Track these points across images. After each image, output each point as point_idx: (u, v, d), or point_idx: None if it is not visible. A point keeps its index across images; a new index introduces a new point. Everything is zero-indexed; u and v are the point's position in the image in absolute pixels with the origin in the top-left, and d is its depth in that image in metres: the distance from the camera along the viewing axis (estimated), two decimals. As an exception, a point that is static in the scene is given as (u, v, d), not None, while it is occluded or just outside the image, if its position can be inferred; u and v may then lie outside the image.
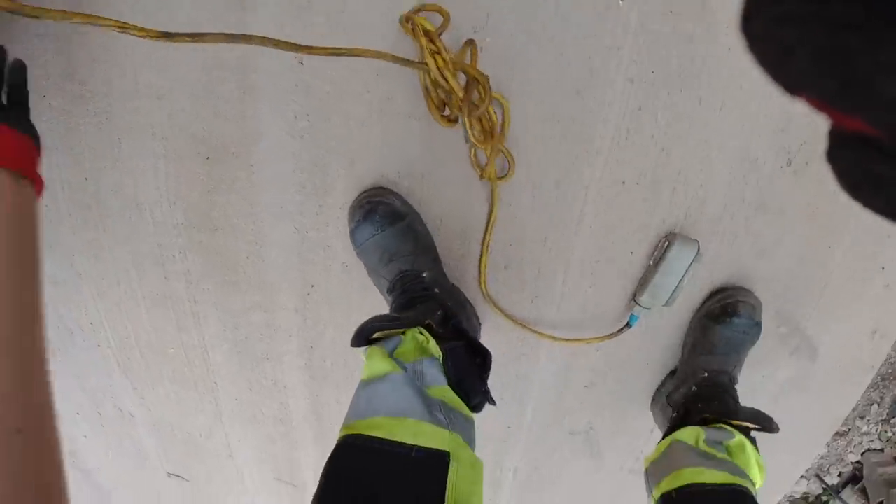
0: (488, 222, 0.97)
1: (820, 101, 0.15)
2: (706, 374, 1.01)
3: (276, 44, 0.65)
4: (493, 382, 1.07)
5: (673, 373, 1.13)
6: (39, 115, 0.98)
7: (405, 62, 0.80)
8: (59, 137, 1.01)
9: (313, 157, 0.97)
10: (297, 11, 0.85)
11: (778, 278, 1.01)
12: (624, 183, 0.91)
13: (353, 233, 0.96)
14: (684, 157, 0.88)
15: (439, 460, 0.69)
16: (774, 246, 0.97)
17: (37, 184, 0.64)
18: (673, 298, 0.97)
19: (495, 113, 0.86)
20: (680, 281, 0.94)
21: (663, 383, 1.15)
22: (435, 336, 0.88)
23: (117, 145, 1.01)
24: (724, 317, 0.99)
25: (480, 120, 0.82)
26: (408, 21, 0.83)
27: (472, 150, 0.91)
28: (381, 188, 0.97)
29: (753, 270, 1.01)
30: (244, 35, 0.63)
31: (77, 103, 0.97)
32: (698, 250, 0.92)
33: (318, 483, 0.67)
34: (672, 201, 0.92)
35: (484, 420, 1.20)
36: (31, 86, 0.86)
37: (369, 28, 0.85)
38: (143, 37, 0.53)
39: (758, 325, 1.01)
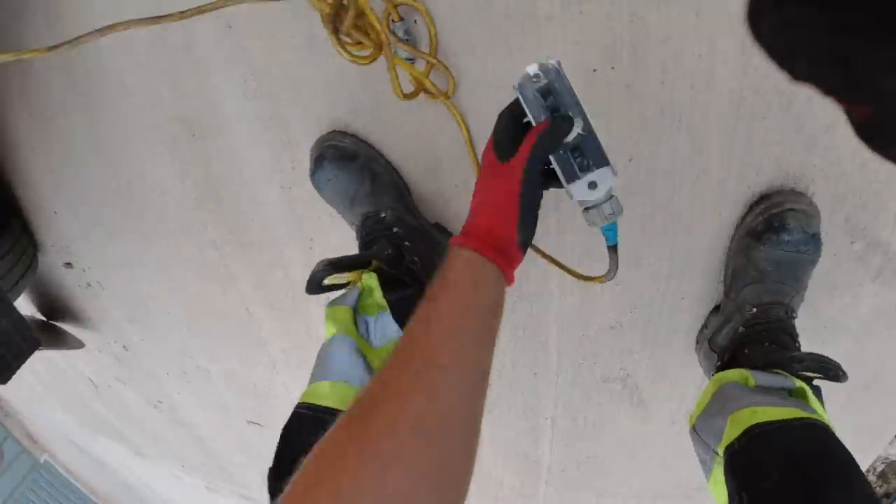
0: (468, 141, 0.86)
1: (825, 92, 0.16)
2: (754, 310, 0.81)
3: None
4: (506, 323, 0.98)
5: (717, 309, 0.93)
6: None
7: None
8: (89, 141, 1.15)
9: (271, 113, 0.97)
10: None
11: (842, 173, 0.76)
12: (595, 71, 0.75)
13: (312, 181, 0.94)
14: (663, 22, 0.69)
15: None
16: (831, 126, 0.71)
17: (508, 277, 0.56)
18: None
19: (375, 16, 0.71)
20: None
21: (706, 323, 0.95)
22: (387, 281, 0.83)
23: (130, 141, 1.12)
24: (770, 233, 0.77)
25: (361, 29, 0.72)
26: None
27: (392, 73, 0.82)
28: (335, 131, 0.94)
29: (804, 165, 0.77)
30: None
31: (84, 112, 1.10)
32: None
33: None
34: (664, 81, 0.73)
35: (508, 368, 1.13)
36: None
37: None
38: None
39: (815, 238, 0.78)
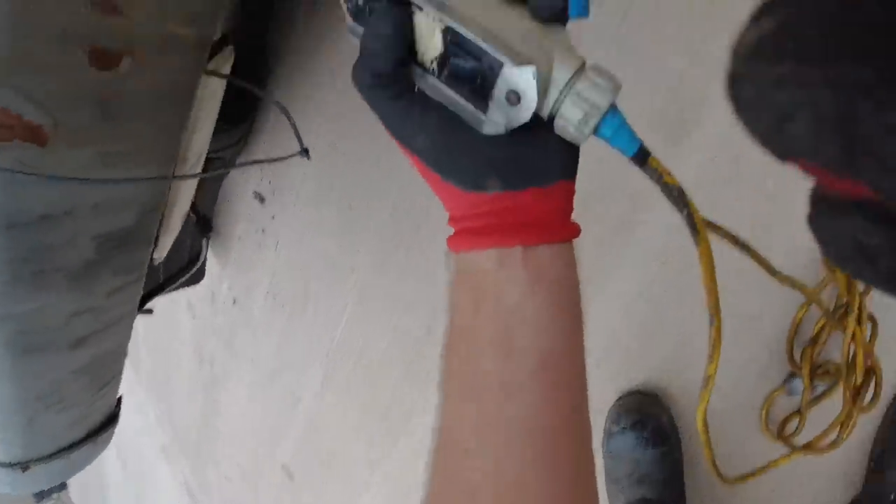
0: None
1: (819, 167, 0.14)
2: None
3: (753, 255, 0.59)
4: None
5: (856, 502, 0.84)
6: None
7: (830, 317, 0.71)
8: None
9: (644, 327, 0.87)
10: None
11: None
12: None
13: (609, 434, 0.87)
14: None
15: None
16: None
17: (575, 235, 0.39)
18: None
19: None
20: None
21: None
22: None
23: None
24: None
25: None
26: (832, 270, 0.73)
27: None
28: (654, 396, 0.87)
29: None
30: (747, 244, 0.57)
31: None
32: None
33: None
34: None
35: None
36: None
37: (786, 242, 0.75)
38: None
39: None
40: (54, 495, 4.02)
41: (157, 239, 0.78)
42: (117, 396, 0.89)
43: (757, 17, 0.15)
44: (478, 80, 0.30)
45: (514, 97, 0.29)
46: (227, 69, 0.69)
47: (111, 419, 0.89)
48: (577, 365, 0.33)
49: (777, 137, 0.14)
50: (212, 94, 0.68)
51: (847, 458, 0.78)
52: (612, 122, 0.30)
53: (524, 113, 0.30)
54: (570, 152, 0.33)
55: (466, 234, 0.33)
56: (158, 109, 0.52)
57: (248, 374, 1.63)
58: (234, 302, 1.59)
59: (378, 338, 1.22)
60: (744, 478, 0.78)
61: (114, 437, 0.92)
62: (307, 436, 1.47)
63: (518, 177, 0.32)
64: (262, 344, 1.54)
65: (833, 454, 0.76)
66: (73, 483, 3.96)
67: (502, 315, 0.31)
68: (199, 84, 0.53)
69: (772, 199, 0.76)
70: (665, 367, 0.87)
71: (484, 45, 0.28)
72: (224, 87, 0.73)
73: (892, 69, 0.11)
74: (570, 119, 0.30)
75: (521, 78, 0.28)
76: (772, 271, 0.61)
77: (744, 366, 0.81)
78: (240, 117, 1.14)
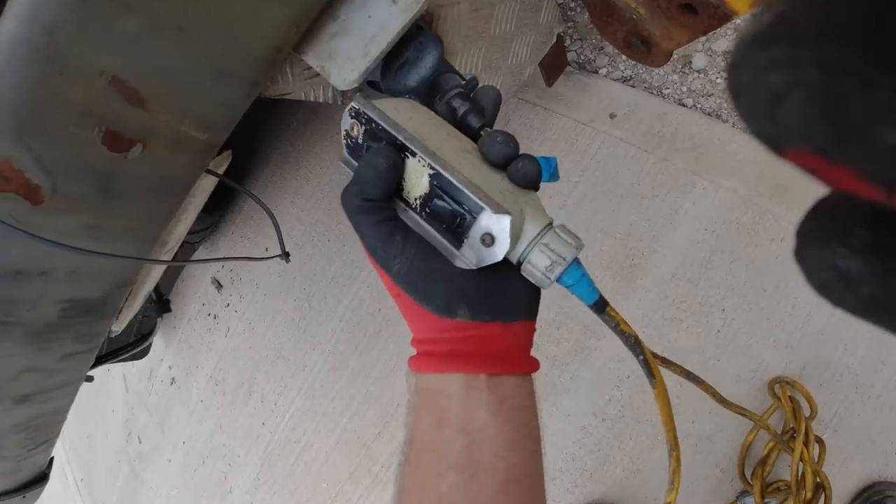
0: None
1: (811, 153, 0.14)
2: None
3: (702, 384, 0.64)
4: None
5: None
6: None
7: (779, 441, 0.76)
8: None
9: (599, 444, 0.91)
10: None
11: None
12: None
13: None
14: None
15: None
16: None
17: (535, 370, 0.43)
18: None
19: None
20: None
21: None
22: None
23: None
24: None
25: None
26: (776, 389, 0.80)
27: None
28: None
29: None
30: (695, 376, 0.62)
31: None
32: None
33: None
34: None
35: None
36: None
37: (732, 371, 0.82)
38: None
39: None
40: None
41: (119, 312, 0.78)
42: (50, 458, 0.84)
43: (757, 14, 0.16)
44: (456, 221, 0.35)
45: (489, 239, 0.34)
46: (222, 169, 0.74)
47: (41, 478, 0.84)
48: (537, 486, 0.35)
49: (771, 120, 0.15)
50: (203, 189, 0.72)
51: None
52: (574, 273, 0.35)
53: (497, 254, 0.34)
54: (533, 296, 0.37)
55: (432, 357, 0.35)
56: (155, 197, 0.55)
57: (178, 456, 1.53)
58: (173, 382, 1.54)
59: (324, 437, 1.20)
60: None
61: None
62: None
63: (486, 310, 0.34)
64: (197, 427, 1.47)
65: None
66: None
67: (467, 436, 0.33)
68: (197, 180, 0.58)
69: (719, 335, 0.84)
70: (621, 483, 0.89)
71: (468, 192, 0.34)
72: (214, 186, 0.78)
73: (877, 52, 0.12)
74: (538, 265, 0.35)
75: (497, 224, 0.34)
76: (721, 401, 0.66)
77: (697, 483, 0.84)
78: (215, 206, 1.19)
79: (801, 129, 0.14)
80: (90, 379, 0.99)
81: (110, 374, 1.79)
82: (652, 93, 0.95)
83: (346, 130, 0.39)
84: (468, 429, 0.33)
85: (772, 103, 0.14)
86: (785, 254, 0.83)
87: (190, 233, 1.10)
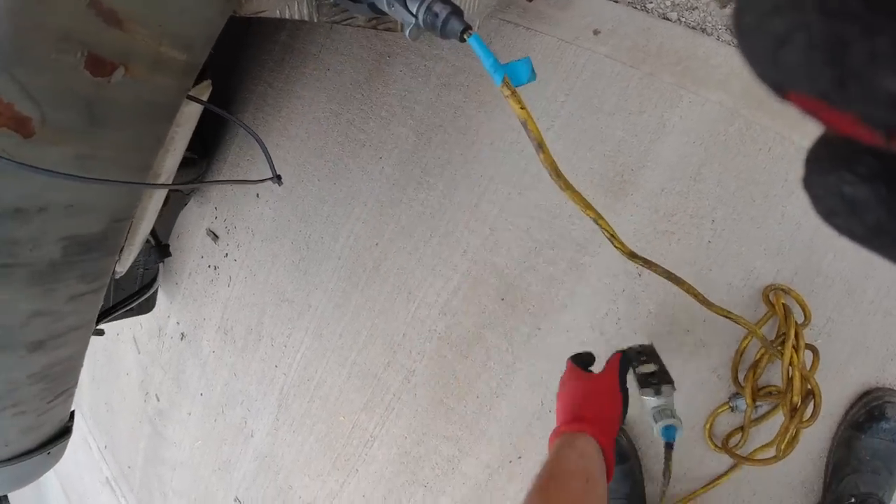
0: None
1: (812, 97, 0.14)
2: (853, 500, 0.79)
3: (683, 285, 0.65)
4: None
5: None
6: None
7: (768, 345, 0.77)
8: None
9: (598, 358, 0.93)
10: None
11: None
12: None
13: None
14: None
15: None
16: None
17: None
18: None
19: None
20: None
21: None
22: None
23: (429, 241, 1.06)
24: (870, 422, 0.79)
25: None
26: (770, 296, 0.81)
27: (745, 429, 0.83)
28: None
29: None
30: (676, 276, 0.63)
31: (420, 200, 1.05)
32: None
33: None
34: None
35: None
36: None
37: (724, 280, 0.83)
38: (617, 247, 0.56)
39: None
40: None
41: (120, 251, 0.78)
42: (70, 410, 0.86)
43: None
44: (651, 381, 0.78)
45: (659, 393, 0.75)
46: (205, 97, 0.73)
47: (64, 431, 0.86)
48: None
49: (774, 63, 0.15)
50: (188, 118, 0.71)
51: (804, 470, 0.84)
52: (672, 429, 0.72)
53: (659, 401, 0.73)
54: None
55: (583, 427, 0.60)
56: (141, 122, 0.55)
57: (197, 409, 1.57)
58: (183, 337, 1.56)
59: (335, 372, 1.22)
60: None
61: (57, 469, 0.88)
62: (261, 468, 1.42)
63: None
64: (211, 378, 1.50)
65: (791, 466, 0.82)
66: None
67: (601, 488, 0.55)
68: (180, 106, 0.57)
69: (710, 245, 0.85)
70: None
71: (669, 375, 0.73)
72: (199, 115, 0.77)
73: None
74: (664, 412, 0.73)
75: (670, 392, 0.74)
76: (704, 302, 0.68)
77: (695, 387, 0.87)
78: (200, 151, 1.18)
79: (803, 73, 0.14)
80: (101, 332, 1.00)
81: (121, 338, 1.81)
82: (635, 7, 0.93)
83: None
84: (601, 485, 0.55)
85: (775, 47, 0.14)
86: (773, 164, 0.83)
87: (180, 182, 1.09)
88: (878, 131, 0.13)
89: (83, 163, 0.54)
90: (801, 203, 0.81)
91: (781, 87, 0.15)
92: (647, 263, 0.61)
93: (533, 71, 0.45)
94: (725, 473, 0.86)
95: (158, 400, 1.70)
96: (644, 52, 0.90)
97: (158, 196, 0.83)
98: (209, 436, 1.55)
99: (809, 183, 0.18)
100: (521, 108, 0.45)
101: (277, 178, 0.64)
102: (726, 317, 0.72)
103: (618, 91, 0.91)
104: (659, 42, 0.90)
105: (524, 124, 0.45)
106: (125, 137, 0.56)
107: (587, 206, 0.51)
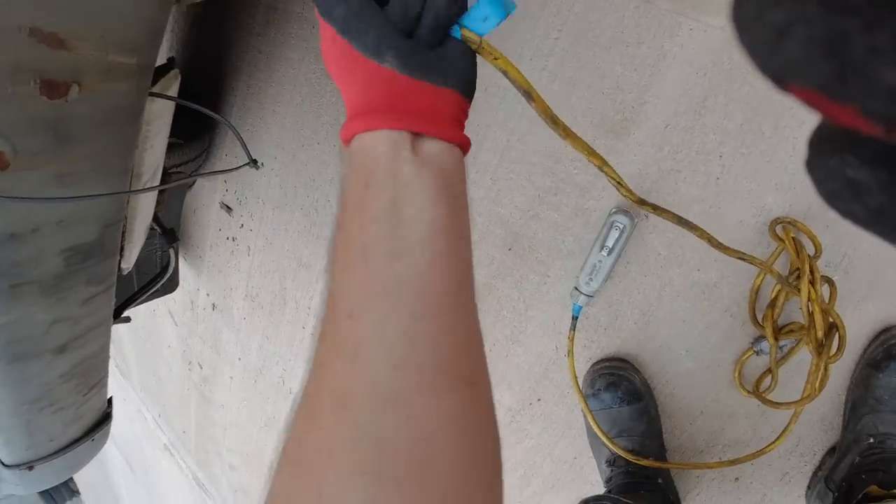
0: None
1: (812, 90, 0.14)
2: (871, 440, 0.77)
3: (696, 230, 0.63)
4: None
5: (832, 450, 0.88)
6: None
7: (784, 283, 0.75)
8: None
9: (609, 301, 0.92)
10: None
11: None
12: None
13: (586, 397, 0.91)
14: None
15: None
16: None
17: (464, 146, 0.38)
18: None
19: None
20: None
21: (819, 466, 0.89)
22: None
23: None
24: (888, 360, 0.76)
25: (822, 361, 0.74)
26: (778, 230, 0.78)
27: (773, 370, 0.81)
28: (625, 361, 0.92)
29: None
30: (687, 221, 0.61)
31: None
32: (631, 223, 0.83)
33: None
34: None
35: None
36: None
37: (734, 218, 0.80)
38: (625, 195, 0.52)
39: None
40: (68, 501, 3.99)
41: (122, 250, 0.80)
42: (107, 397, 0.92)
43: None
44: None
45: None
46: (173, 90, 0.71)
47: (104, 418, 0.92)
48: (463, 244, 0.33)
49: (774, 56, 0.14)
50: (159, 113, 0.70)
51: (822, 408, 0.83)
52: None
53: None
54: (468, 67, 0.36)
55: (359, 118, 0.34)
56: (108, 131, 0.54)
57: (238, 372, 1.65)
58: (214, 307, 1.61)
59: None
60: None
61: (117, 443, 0.94)
62: None
63: (416, 64, 0.33)
64: (246, 343, 1.56)
65: (811, 405, 0.79)
66: (87, 492, 3.96)
67: (392, 188, 0.31)
68: (144, 106, 0.56)
69: (718, 182, 0.81)
70: (633, 336, 0.92)
71: None
72: (173, 107, 0.75)
73: None
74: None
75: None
76: (718, 245, 0.65)
77: (709, 329, 0.86)
78: (195, 134, 1.17)
79: (803, 65, 0.14)
80: (128, 319, 1.04)
81: (157, 314, 1.88)
82: (626, -74, 0.85)
83: None
84: (392, 184, 0.32)
85: (775, 39, 0.14)
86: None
87: (178, 164, 1.09)
88: (878, 124, 0.13)
89: (63, 180, 0.54)
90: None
91: (782, 79, 0.15)
92: (656, 209, 0.58)
93: (503, 2, 0.36)
94: (778, 438, 0.83)
95: (201, 368, 1.79)
96: (638, -23, 0.83)
97: (147, 193, 0.83)
98: (252, 396, 1.63)
99: (812, 165, 0.18)
100: (495, 58, 0.37)
101: (254, 163, 0.63)
102: (740, 258, 0.69)
103: (613, 23, 0.84)
104: (653, -36, 0.83)
105: (506, 74, 0.38)
106: (97, 148, 0.55)
107: (591, 152, 0.46)
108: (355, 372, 0.27)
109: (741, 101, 0.78)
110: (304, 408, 0.29)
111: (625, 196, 0.53)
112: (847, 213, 0.17)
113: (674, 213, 0.59)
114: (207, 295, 1.62)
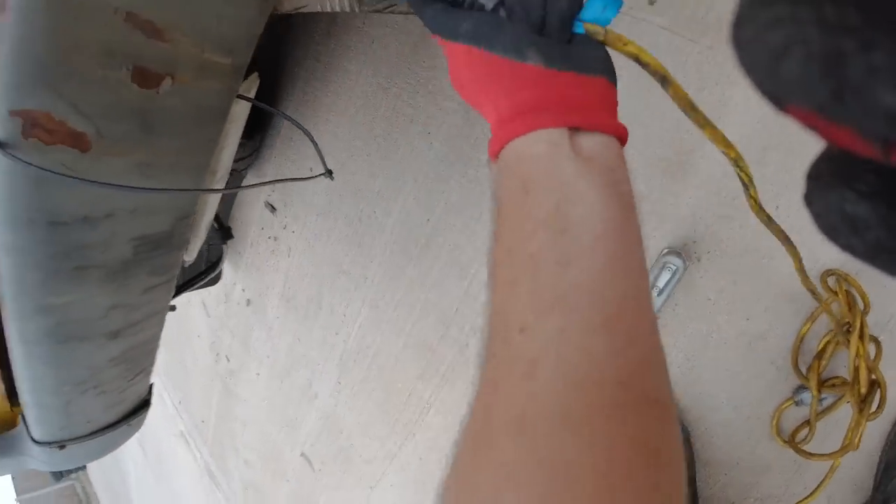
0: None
1: (810, 110, 0.14)
2: None
3: (791, 249, 0.61)
4: None
5: None
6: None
7: (839, 329, 0.73)
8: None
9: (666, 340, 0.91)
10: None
11: None
12: None
13: None
14: None
15: None
16: None
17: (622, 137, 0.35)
18: None
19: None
20: None
21: None
22: None
23: (479, 219, 1.05)
24: None
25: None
26: (830, 282, 0.76)
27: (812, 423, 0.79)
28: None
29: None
30: (788, 238, 0.58)
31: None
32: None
33: None
34: None
35: None
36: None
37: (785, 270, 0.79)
38: (752, 195, 0.48)
39: None
40: (73, 475, 4.03)
41: (188, 243, 0.82)
42: (149, 384, 0.93)
43: None
44: None
45: None
46: (252, 93, 0.73)
47: (143, 404, 0.93)
48: (634, 245, 0.30)
49: (773, 76, 0.14)
50: (239, 114, 0.72)
51: (855, 467, 0.81)
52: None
53: None
54: (606, 57, 0.34)
55: (510, 123, 0.31)
56: (194, 128, 0.56)
57: (264, 370, 1.67)
58: (248, 303, 1.63)
59: (392, 343, 1.26)
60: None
61: None
62: (324, 427, 1.51)
63: (558, 56, 0.31)
64: (276, 342, 1.58)
65: (843, 462, 0.78)
66: (93, 465, 3.99)
67: (555, 190, 0.29)
68: (231, 106, 0.58)
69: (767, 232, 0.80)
70: (675, 380, 0.90)
71: None
72: (248, 109, 0.77)
73: (877, 13, 0.12)
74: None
75: None
76: (800, 268, 0.64)
77: (752, 381, 0.85)
78: (250, 133, 1.20)
79: (800, 86, 0.14)
80: (172, 308, 1.06)
81: (191, 303, 1.92)
82: (697, -26, 0.85)
83: None
84: (555, 185, 0.29)
85: (773, 60, 0.14)
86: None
87: (235, 161, 1.12)
88: (876, 145, 0.13)
89: (144, 170, 0.56)
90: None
91: (780, 99, 0.15)
92: (769, 221, 0.55)
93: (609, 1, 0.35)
94: (811, 493, 0.81)
95: (228, 360, 1.81)
96: (703, 24, 0.83)
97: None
98: (276, 395, 1.64)
99: (811, 199, 0.18)
100: (625, 44, 0.34)
101: (329, 174, 0.64)
102: (811, 291, 0.68)
103: (676, 65, 0.84)
104: (718, 14, 0.83)
105: (637, 60, 0.34)
106: (181, 142, 0.57)
107: (728, 145, 0.43)
108: (531, 390, 0.26)
109: (802, 153, 0.77)
110: (474, 428, 0.27)
111: (752, 197, 0.51)
112: (846, 248, 0.17)
113: (780, 228, 0.57)
114: (243, 290, 1.64)
